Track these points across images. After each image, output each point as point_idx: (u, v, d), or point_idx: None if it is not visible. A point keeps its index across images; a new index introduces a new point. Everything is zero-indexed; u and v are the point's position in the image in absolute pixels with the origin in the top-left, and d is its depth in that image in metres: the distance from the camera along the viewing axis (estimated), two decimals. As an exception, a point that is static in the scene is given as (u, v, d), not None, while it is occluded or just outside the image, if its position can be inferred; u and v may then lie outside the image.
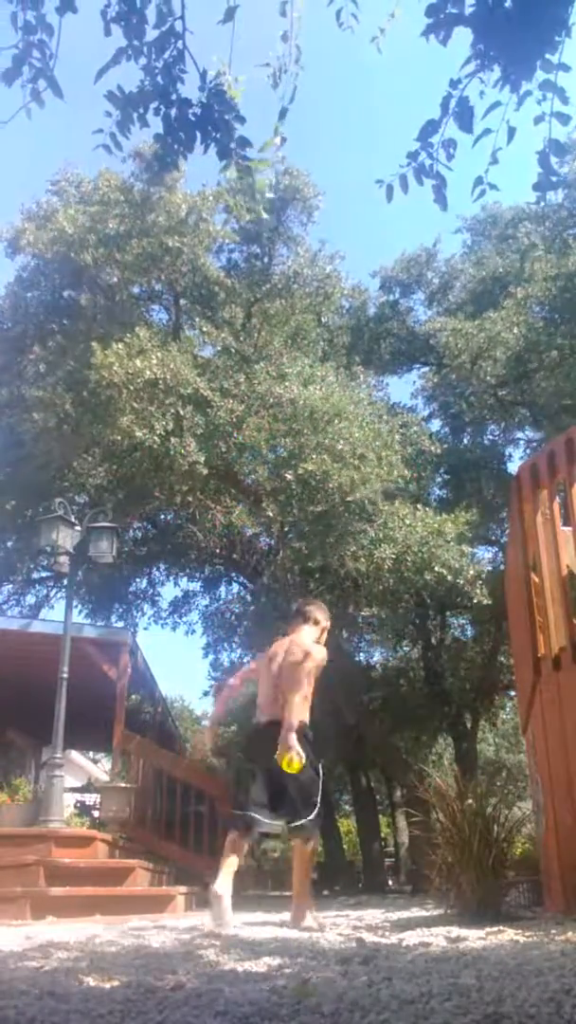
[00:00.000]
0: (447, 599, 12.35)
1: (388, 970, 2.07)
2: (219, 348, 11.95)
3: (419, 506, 10.65)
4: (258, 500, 11.08)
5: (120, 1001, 1.70)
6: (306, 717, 4.09)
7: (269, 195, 2.49)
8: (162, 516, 14.25)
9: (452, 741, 16.58)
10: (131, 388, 9.61)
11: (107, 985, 1.92)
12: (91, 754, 21.77)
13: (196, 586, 16.08)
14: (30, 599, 14.74)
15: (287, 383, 10.39)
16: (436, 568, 9.77)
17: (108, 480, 11.98)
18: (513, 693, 14.38)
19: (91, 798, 12.20)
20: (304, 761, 3.89)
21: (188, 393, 10.14)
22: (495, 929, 3.16)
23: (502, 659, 14.80)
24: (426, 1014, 1.54)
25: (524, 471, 5.02)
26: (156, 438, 9.66)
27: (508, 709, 18.43)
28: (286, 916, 4.22)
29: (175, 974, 2.08)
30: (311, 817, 3.98)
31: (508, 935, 2.96)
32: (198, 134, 2.49)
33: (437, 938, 2.93)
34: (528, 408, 14.38)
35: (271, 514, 10.34)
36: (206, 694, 23.83)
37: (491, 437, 15.65)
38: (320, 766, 4.15)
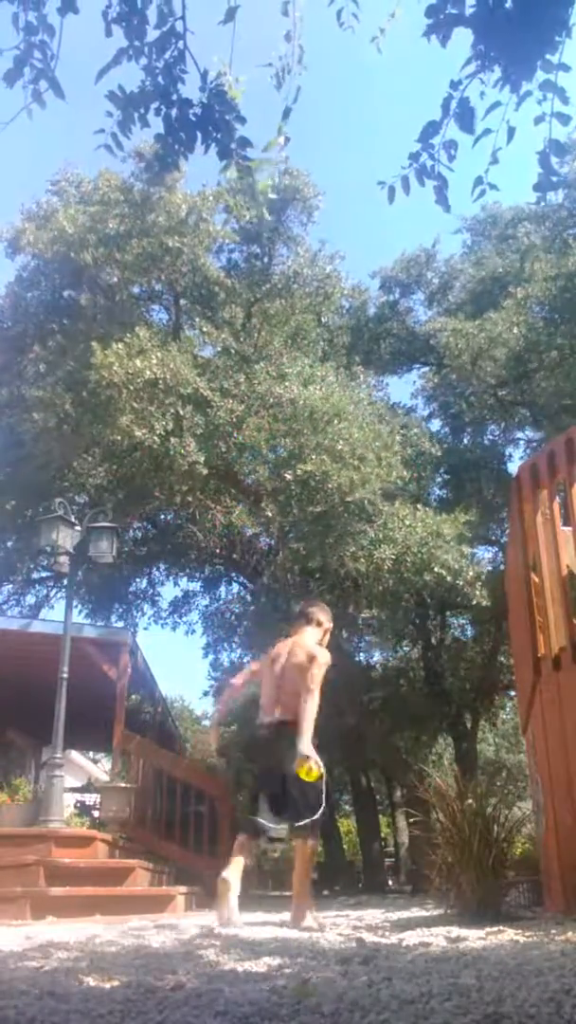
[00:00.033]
0: (447, 599, 12.35)
1: (388, 970, 2.07)
2: (219, 348, 11.95)
3: (419, 506, 10.65)
4: (258, 500, 11.08)
5: (120, 1001, 1.70)
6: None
7: (272, 196, 2.49)
8: (162, 516, 14.25)
9: (452, 741, 16.57)
10: (131, 388, 9.61)
11: (107, 985, 1.92)
12: (91, 754, 21.77)
13: (196, 586, 16.11)
14: (30, 599, 14.76)
15: (287, 383, 10.40)
16: (436, 569, 9.77)
17: (108, 480, 11.98)
18: (513, 693, 14.38)
19: (91, 798, 12.21)
20: (321, 769, 3.90)
21: (188, 393, 10.14)
22: (495, 929, 3.16)
23: (502, 659, 14.80)
24: (426, 1014, 1.54)
25: (524, 471, 5.02)
26: (156, 438, 9.66)
27: (508, 709, 18.43)
28: (286, 916, 4.22)
29: (175, 974, 2.08)
30: (314, 818, 3.99)
31: (508, 935, 2.96)
32: (199, 134, 2.49)
33: (437, 938, 2.93)
34: (528, 408, 14.38)
35: (270, 514, 10.34)
36: (206, 694, 23.84)
37: (491, 437, 15.66)
38: (323, 767, 4.15)
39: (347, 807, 21.29)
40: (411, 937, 3.03)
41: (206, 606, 16.15)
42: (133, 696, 12.07)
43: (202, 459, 9.89)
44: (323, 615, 4.55)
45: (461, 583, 10.03)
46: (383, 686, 15.79)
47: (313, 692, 4.01)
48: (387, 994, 1.72)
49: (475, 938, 2.90)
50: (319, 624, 4.49)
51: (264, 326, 12.72)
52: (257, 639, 12.14)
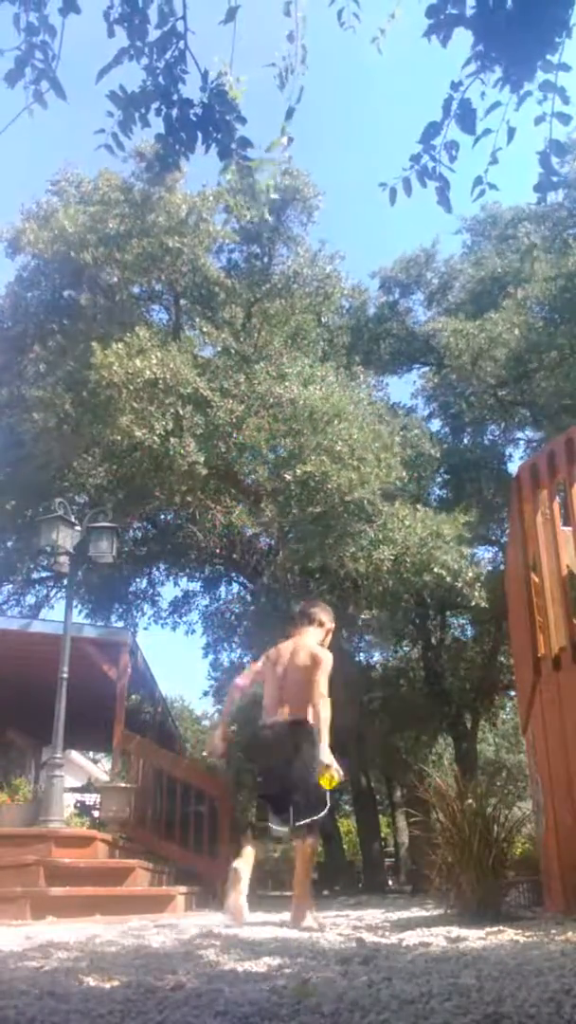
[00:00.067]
0: (447, 599, 12.36)
1: (388, 970, 2.07)
2: (219, 348, 11.96)
3: (419, 506, 10.65)
4: (258, 500, 11.09)
5: (120, 1001, 1.70)
6: (311, 715, 4.11)
7: (274, 196, 2.49)
8: (162, 516, 14.25)
9: (452, 741, 16.58)
10: (131, 388, 9.61)
11: (107, 985, 1.92)
12: (91, 754, 21.77)
13: (196, 586, 16.11)
14: (30, 599, 14.77)
15: (287, 383, 10.40)
16: (435, 569, 9.77)
17: (108, 480, 11.98)
18: (513, 693, 14.38)
19: (91, 798, 12.20)
20: (341, 776, 3.92)
21: (188, 393, 10.14)
22: (495, 929, 3.16)
23: (502, 659, 14.81)
24: (426, 1014, 1.54)
25: (524, 471, 5.02)
26: (156, 438, 9.67)
27: (508, 709, 18.44)
28: (286, 916, 4.22)
29: (175, 974, 2.08)
30: (315, 818, 3.99)
31: (508, 935, 2.96)
32: (199, 134, 2.49)
33: (437, 938, 2.93)
34: (528, 408, 14.39)
35: (269, 515, 10.34)
36: (206, 694, 23.88)
37: (491, 437, 15.67)
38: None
39: (347, 807, 21.30)
40: (411, 937, 3.03)
41: (206, 606, 16.18)
42: (133, 696, 12.07)
43: (202, 459, 9.89)
44: (325, 615, 4.55)
45: (460, 584, 10.03)
46: (383, 686, 15.81)
47: (325, 698, 4.03)
48: (387, 994, 1.72)
49: (475, 938, 2.90)
50: (321, 624, 4.49)
51: (264, 326, 12.72)
52: (257, 639, 12.13)
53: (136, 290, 12.31)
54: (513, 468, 12.98)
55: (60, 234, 10.86)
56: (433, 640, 15.71)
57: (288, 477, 9.74)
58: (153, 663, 16.02)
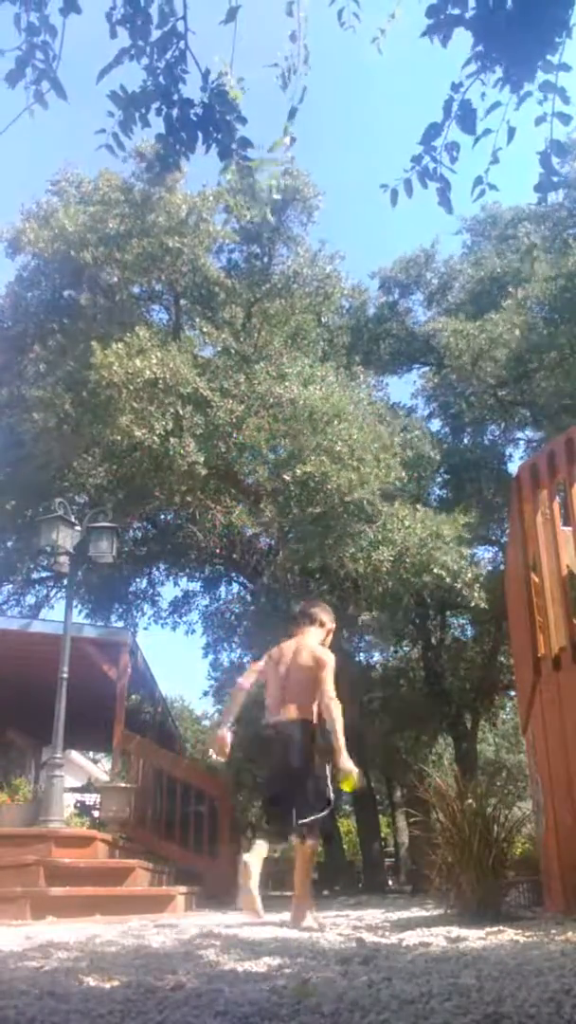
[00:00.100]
0: (447, 599, 12.36)
1: (388, 970, 2.07)
2: (219, 348, 11.96)
3: (419, 507, 10.64)
4: (258, 500, 11.09)
5: (120, 1001, 1.70)
6: (314, 718, 4.15)
7: (276, 197, 2.49)
8: (162, 516, 14.25)
9: (452, 741, 16.58)
10: (131, 388, 9.61)
11: (107, 985, 1.92)
12: (91, 754, 21.77)
13: (196, 586, 16.11)
14: (30, 599, 14.76)
15: (287, 383, 10.39)
16: (434, 570, 9.76)
17: (108, 480, 11.98)
18: (513, 693, 14.38)
19: (91, 798, 12.21)
20: (361, 780, 3.98)
21: (188, 393, 10.14)
22: (495, 929, 3.16)
23: (502, 659, 14.81)
24: (426, 1014, 1.54)
25: (524, 471, 5.02)
26: (156, 438, 9.67)
27: (508, 709, 18.44)
28: (286, 916, 4.22)
29: (175, 974, 2.08)
30: (316, 817, 4.00)
31: (508, 935, 2.96)
32: (199, 134, 2.49)
33: (437, 938, 2.93)
34: (528, 408, 14.39)
35: (269, 515, 10.34)
36: (206, 694, 23.86)
37: (491, 437, 15.67)
38: (328, 768, 4.17)
39: (347, 807, 21.30)
40: (411, 937, 3.03)
41: (206, 606, 16.17)
42: (133, 696, 12.08)
43: (202, 459, 9.89)
44: (325, 615, 4.56)
45: (460, 584, 10.02)
46: (383, 686, 15.81)
47: (336, 701, 4.06)
48: (387, 994, 1.72)
49: (475, 938, 2.90)
50: (322, 624, 4.50)
51: (264, 326, 12.72)
52: (257, 639, 12.12)
53: (136, 290, 12.31)
54: (513, 468, 13.00)
55: (60, 233, 10.86)
56: (433, 640, 15.71)
57: (287, 478, 9.74)
58: (153, 663, 16.04)
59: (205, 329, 11.95)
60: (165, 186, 10.92)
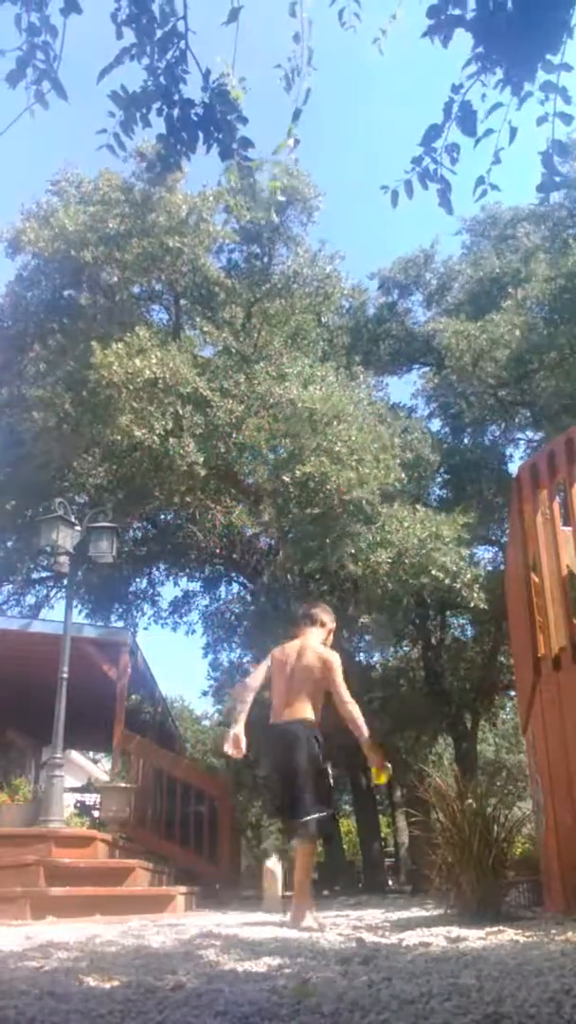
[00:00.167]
0: (447, 599, 12.35)
1: (388, 970, 2.07)
2: (219, 348, 11.96)
3: (418, 507, 10.63)
4: (258, 500, 11.08)
5: (120, 1001, 1.70)
6: (317, 718, 4.20)
7: (281, 199, 2.51)
8: (162, 516, 14.25)
9: (452, 741, 16.57)
10: (131, 388, 9.61)
11: (107, 985, 1.93)
12: (91, 754, 21.77)
13: (196, 586, 16.10)
14: (30, 599, 14.75)
15: (287, 383, 10.39)
16: (433, 572, 9.75)
17: (108, 480, 11.98)
18: (513, 693, 14.38)
19: (91, 798, 12.21)
20: (390, 772, 4.12)
21: (188, 393, 10.14)
22: (495, 929, 3.17)
23: (502, 659, 14.80)
24: (426, 1014, 1.54)
25: (524, 471, 5.02)
26: (155, 438, 9.67)
27: (508, 709, 18.43)
28: (286, 916, 4.22)
29: (175, 974, 2.08)
30: (317, 816, 4.01)
31: (508, 935, 2.96)
32: (200, 134, 2.49)
33: (437, 938, 2.94)
34: (528, 408, 14.39)
35: (267, 517, 10.35)
36: (205, 694, 23.86)
37: (491, 437, 15.66)
38: (329, 767, 4.19)
39: (347, 807, 21.30)
40: (411, 937, 3.03)
41: (206, 606, 16.17)
42: (133, 696, 12.08)
43: (201, 459, 9.89)
44: (326, 616, 4.62)
45: (459, 585, 10.01)
46: (383, 686, 15.79)
47: (352, 701, 4.19)
48: (387, 994, 1.72)
49: (475, 938, 2.91)
50: (323, 625, 4.56)
51: (264, 326, 12.72)
52: (257, 639, 12.12)
53: (136, 290, 12.31)
54: (513, 468, 12.99)
55: (60, 233, 10.86)
56: (433, 640, 15.70)
57: (287, 479, 9.74)
58: (153, 663, 16.04)
59: (205, 329, 11.95)
60: (165, 186, 10.92)
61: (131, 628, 13.00)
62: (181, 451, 9.74)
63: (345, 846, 18.49)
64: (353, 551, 9.66)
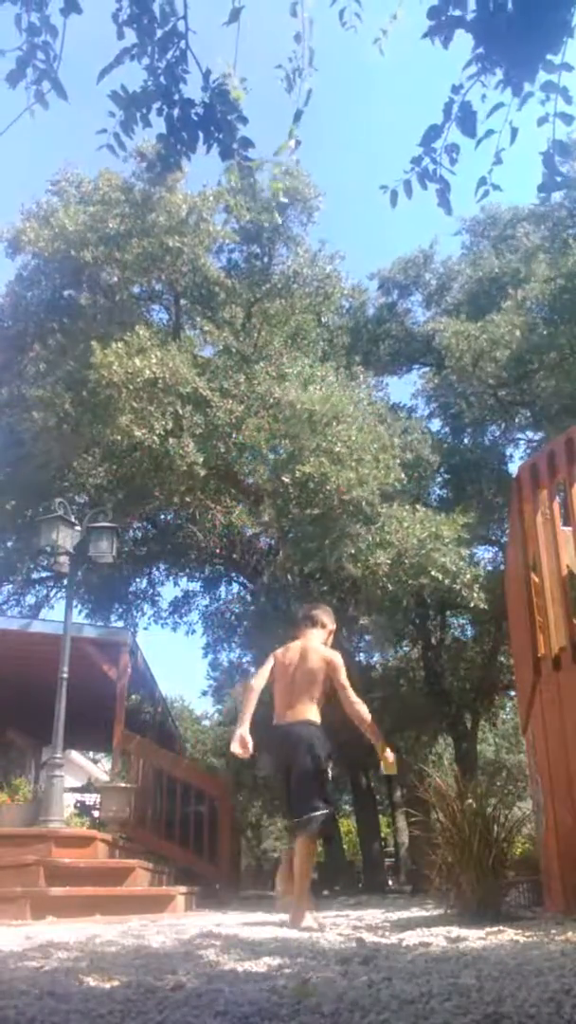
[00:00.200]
0: (447, 599, 12.35)
1: (388, 970, 2.07)
2: (219, 348, 11.96)
3: (418, 507, 10.63)
4: (258, 501, 11.08)
5: (120, 1001, 1.70)
6: (319, 718, 4.23)
7: (284, 200, 2.52)
8: (162, 516, 14.25)
9: (452, 741, 16.58)
10: (130, 387, 9.61)
11: (107, 985, 1.93)
12: (91, 754, 21.77)
13: (196, 586, 16.11)
14: (30, 599, 14.76)
15: (287, 383, 10.39)
16: (432, 572, 9.75)
17: (108, 480, 11.98)
18: (513, 693, 14.38)
19: (91, 798, 12.21)
20: (396, 763, 4.25)
21: (187, 393, 10.14)
22: (495, 929, 3.17)
23: (502, 659, 14.81)
24: (426, 1014, 1.54)
25: (524, 471, 5.02)
26: (155, 438, 9.67)
27: (508, 709, 18.44)
28: (286, 916, 4.22)
29: (175, 974, 2.08)
30: (316, 814, 4.02)
31: (508, 935, 2.96)
32: (200, 134, 2.49)
33: (437, 938, 2.94)
34: (528, 409, 14.39)
35: (267, 518, 10.35)
36: (204, 694, 23.88)
37: (491, 437, 15.67)
38: (330, 767, 4.20)
39: (347, 807, 21.31)
40: (411, 937, 3.03)
41: (206, 606, 16.18)
42: (133, 696, 12.08)
43: (201, 459, 9.89)
44: (327, 617, 4.66)
45: (459, 586, 10.00)
46: (383, 686, 15.80)
47: (360, 701, 4.28)
48: (387, 994, 1.72)
49: (475, 938, 2.91)
50: (323, 626, 4.60)
51: (264, 326, 12.72)
52: (257, 639, 12.12)
53: (136, 290, 12.31)
54: (513, 468, 12.99)
55: (60, 233, 10.86)
56: (433, 640, 15.70)
57: (287, 479, 9.74)
58: (153, 663, 16.05)
59: (205, 329, 11.95)
60: (165, 186, 10.91)
61: (131, 628, 13.01)
62: (181, 451, 9.74)
63: (345, 846, 18.50)
64: (353, 551, 9.65)
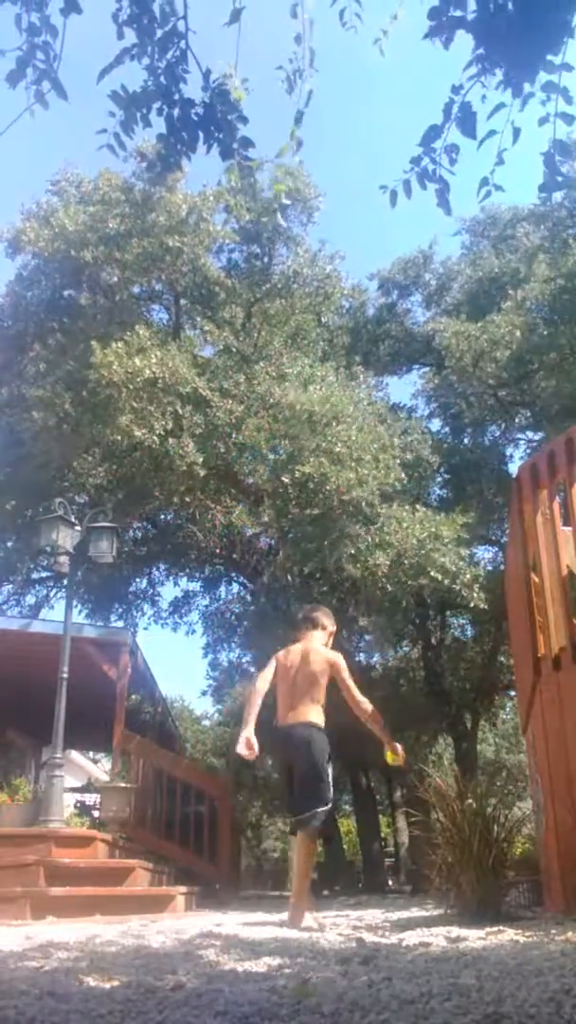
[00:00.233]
0: (447, 599, 12.35)
1: (388, 970, 2.07)
2: (219, 348, 11.96)
3: (418, 507, 10.63)
4: (258, 501, 11.08)
5: (120, 1001, 1.70)
6: (321, 720, 4.25)
7: (287, 202, 2.52)
8: (162, 516, 14.25)
9: (452, 741, 16.58)
10: (130, 387, 9.61)
11: (107, 985, 1.93)
12: (91, 754, 21.77)
13: (196, 586, 16.12)
14: (30, 599, 14.76)
15: (287, 384, 10.39)
16: (432, 572, 9.74)
17: (108, 480, 11.98)
18: (513, 693, 14.38)
19: (91, 798, 12.21)
20: (403, 754, 4.33)
21: (187, 392, 10.14)
22: (495, 929, 3.17)
23: (502, 659, 14.81)
24: (426, 1014, 1.54)
25: (524, 471, 5.02)
26: (155, 438, 9.67)
27: (508, 709, 18.44)
28: (286, 916, 4.22)
29: (175, 974, 2.08)
30: (316, 810, 4.03)
31: (508, 935, 2.96)
32: (201, 134, 2.49)
33: (437, 938, 2.94)
34: (528, 409, 14.39)
35: (267, 518, 10.34)
36: (204, 693, 23.87)
37: (491, 437, 15.67)
38: (331, 766, 4.21)
39: (347, 807, 21.31)
40: (411, 937, 3.03)
41: (206, 606, 16.18)
42: (133, 696, 12.08)
43: (201, 459, 9.89)
44: (327, 619, 4.67)
45: (458, 586, 10.00)
46: (383, 686, 15.79)
47: (365, 699, 4.36)
48: (387, 994, 1.72)
49: (475, 938, 2.91)
50: (324, 628, 4.62)
51: (264, 326, 12.72)
52: (257, 639, 12.12)
53: (136, 290, 12.31)
54: (513, 468, 12.99)
55: (60, 232, 10.86)
56: (433, 640, 15.70)
57: (286, 480, 9.73)
58: (153, 663, 16.05)
59: (205, 328, 11.95)
60: (165, 186, 10.91)
61: (131, 628, 13.01)
62: (181, 451, 9.74)
63: (345, 846, 18.49)
64: (352, 552, 9.65)
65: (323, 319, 14.14)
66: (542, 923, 3.52)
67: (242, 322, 12.65)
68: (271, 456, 10.65)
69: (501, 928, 3.21)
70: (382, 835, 18.44)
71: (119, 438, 9.79)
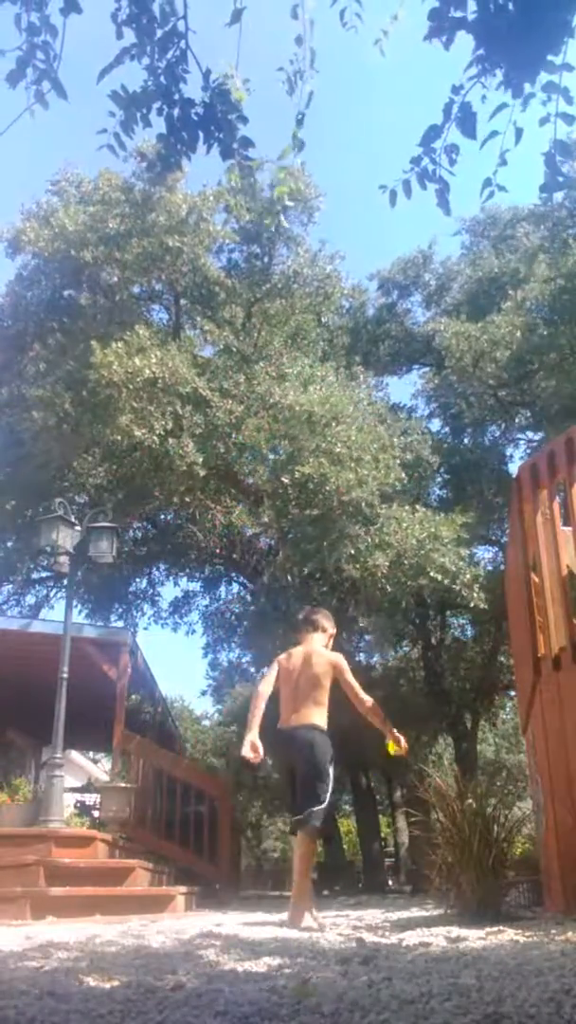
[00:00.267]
0: (447, 599, 12.35)
1: (388, 970, 2.07)
2: (219, 348, 11.96)
3: (418, 507, 10.62)
4: (258, 501, 11.08)
5: (120, 1001, 1.70)
6: (324, 722, 4.27)
7: (289, 204, 2.51)
8: (162, 516, 14.25)
9: (452, 741, 16.58)
10: (130, 387, 9.61)
11: (107, 985, 1.92)
12: (91, 754, 21.76)
13: (196, 586, 16.12)
14: (30, 599, 14.76)
15: (287, 384, 10.38)
16: (432, 573, 9.74)
17: (108, 480, 11.98)
18: (513, 693, 14.38)
19: (91, 798, 12.20)
20: (405, 745, 4.39)
21: (187, 392, 10.14)
22: (495, 929, 3.17)
23: (502, 659, 14.81)
24: (426, 1014, 1.54)
25: (524, 471, 5.02)
26: (155, 438, 9.66)
27: (508, 709, 18.44)
28: (286, 916, 4.22)
29: (175, 974, 2.08)
30: (315, 809, 4.04)
31: (508, 935, 2.96)
32: (201, 134, 2.49)
33: (437, 938, 2.94)
34: (528, 409, 14.39)
35: (267, 518, 10.34)
36: (204, 693, 23.86)
37: (491, 437, 15.67)
38: (331, 766, 4.21)
39: (347, 807, 21.31)
40: (411, 937, 3.03)
41: (206, 606, 16.18)
42: (133, 696, 12.07)
43: (200, 459, 9.88)
44: (327, 621, 4.68)
45: (458, 586, 10.00)
46: (383, 686, 15.79)
47: (369, 699, 4.40)
48: (387, 994, 1.72)
49: (475, 938, 2.91)
50: (324, 630, 4.62)
51: (264, 326, 12.71)
52: (257, 639, 12.12)
53: (136, 289, 12.31)
54: (513, 468, 12.99)
55: (60, 232, 10.86)
56: (433, 640, 15.70)
57: (286, 480, 9.73)
58: (153, 663, 16.05)
59: (205, 328, 11.94)
60: (165, 186, 10.91)
61: (131, 628, 13.00)
62: (181, 451, 9.74)
63: (345, 846, 18.50)
64: (352, 552, 9.64)
65: (323, 319, 14.14)
66: (542, 923, 3.52)
67: (242, 322, 12.65)
68: (271, 456, 10.65)
69: (501, 928, 3.21)
70: (382, 835, 18.45)
71: (119, 438, 9.79)
